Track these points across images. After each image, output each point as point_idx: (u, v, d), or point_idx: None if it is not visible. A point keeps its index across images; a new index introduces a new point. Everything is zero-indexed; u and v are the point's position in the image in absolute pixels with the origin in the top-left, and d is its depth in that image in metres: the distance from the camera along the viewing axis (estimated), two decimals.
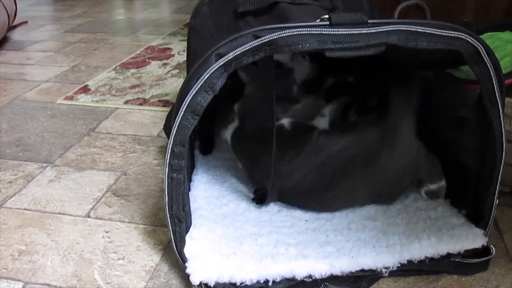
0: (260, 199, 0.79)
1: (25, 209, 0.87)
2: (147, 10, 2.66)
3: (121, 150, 1.08)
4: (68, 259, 0.74)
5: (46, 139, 1.14)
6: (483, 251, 0.71)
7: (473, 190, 0.72)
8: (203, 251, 0.68)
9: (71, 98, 1.38)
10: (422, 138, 0.91)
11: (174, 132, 0.59)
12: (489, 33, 0.90)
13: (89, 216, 0.85)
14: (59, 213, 0.85)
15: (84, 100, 1.36)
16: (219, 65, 0.56)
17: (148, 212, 0.85)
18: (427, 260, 0.68)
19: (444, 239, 0.70)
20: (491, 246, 0.70)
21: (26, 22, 2.32)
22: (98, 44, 1.96)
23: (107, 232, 0.80)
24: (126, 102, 1.34)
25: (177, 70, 1.60)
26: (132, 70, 1.61)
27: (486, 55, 0.58)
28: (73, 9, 2.69)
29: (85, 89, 1.44)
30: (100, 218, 0.84)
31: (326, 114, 0.86)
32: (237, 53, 0.56)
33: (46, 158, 1.05)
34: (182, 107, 0.57)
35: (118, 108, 1.31)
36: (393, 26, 0.55)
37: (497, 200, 0.70)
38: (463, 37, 0.57)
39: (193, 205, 0.72)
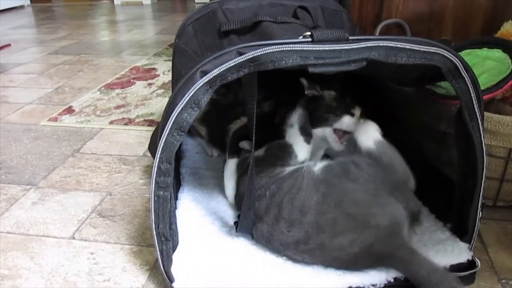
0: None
1: (7, 232, 0.85)
2: (131, 32, 2.67)
3: (106, 171, 1.07)
4: (52, 283, 0.72)
5: (29, 161, 1.13)
6: (469, 264, 0.71)
7: (457, 204, 0.73)
8: (190, 271, 0.68)
9: (55, 119, 1.37)
10: (407, 152, 0.93)
11: (160, 149, 0.59)
12: (467, 50, 0.93)
13: (73, 238, 0.83)
14: (43, 236, 0.84)
15: (68, 121, 1.35)
16: (204, 82, 0.57)
17: (134, 232, 0.84)
18: None
19: (429, 254, 0.70)
20: (476, 259, 0.71)
21: (9, 45, 2.32)
22: (82, 66, 1.96)
23: (92, 253, 0.79)
24: (111, 122, 1.33)
25: (162, 90, 1.60)
26: (117, 91, 1.61)
27: (464, 70, 0.60)
28: (57, 32, 2.69)
29: (69, 110, 1.44)
30: (85, 240, 0.82)
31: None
32: (221, 70, 0.57)
33: (29, 180, 1.04)
34: (168, 124, 0.57)
35: (103, 128, 1.30)
36: (374, 42, 0.57)
37: (480, 214, 0.71)
38: (441, 52, 0.58)
39: (180, 223, 0.72)
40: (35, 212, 0.91)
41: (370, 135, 0.76)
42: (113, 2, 3.86)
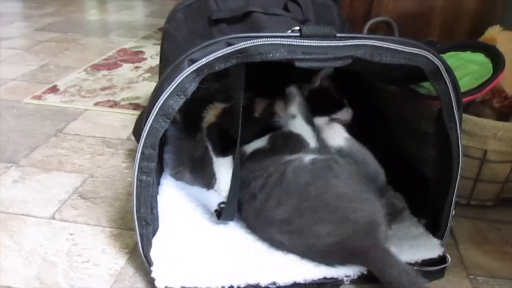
0: (220, 213, 0.77)
1: None
2: (121, 12, 2.63)
3: (89, 152, 1.06)
4: (31, 262, 0.73)
5: (11, 138, 1.12)
6: (440, 260, 0.74)
7: (432, 200, 0.75)
8: (169, 255, 0.69)
9: (39, 97, 1.36)
10: (387, 150, 0.95)
11: (145, 134, 0.59)
12: (451, 52, 0.95)
13: (53, 218, 0.83)
14: (23, 215, 0.84)
15: (52, 100, 1.34)
16: (191, 70, 0.57)
17: (114, 215, 0.85)
18: None
19: (403, 249, 0.73)
20: (447, 255, 0.74)
21: None
22: (69, 44, 1.93)
23: (72, 234, 0.79)
24: (96, 104, 1.33)
25: (149, 74, 1.59)
26: (103, 72, 1.60)
27: (445, 72, 0.62)
28: (44, 7, 2.64)
29: (54, 89, 1.42)
30: (65, 221, 0.83)
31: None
32: (209, 59, 0.57)
33: (11, 158, 1.03)
34: (153, 109, 0.58)
35: (87, 109, 1.29)
36: (360, 40, 0.58)
37: (454, 211, 0.74)
38: (424, 54, 0.60)
39: (161, 208, 0.73)
40: (15, 191, 0.91)
41: (339, 133, 0.82)
42: None
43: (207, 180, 0.87)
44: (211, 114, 0.90)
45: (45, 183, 0.94)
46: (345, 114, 0.90)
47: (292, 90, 0.86)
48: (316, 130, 0.84)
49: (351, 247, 0.67)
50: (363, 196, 0.72)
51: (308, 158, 0.76)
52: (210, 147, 0.87)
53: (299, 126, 0.82)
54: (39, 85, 1.45)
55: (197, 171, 0.88)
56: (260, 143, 0.83)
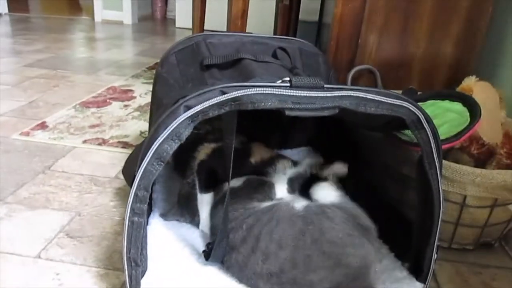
0: (208, 254, 0.76)
1: None
2: (110, 51, 2.68)
3: (77, 190, 1.07)
4: None
5: None
6: None
7: (415, 244, 0.78)
8: None
9: (27, 134, 1.36)
10: (371, 193, 0.97)
11: (139, 177, 0.61)
12: (431, 101, 1.00)
13: (39, 257, 0.83)
14: (8, 253, 0.83)
15: (41, 137, 1.35)
16: (186, 116, 0.60)
17: (101, 254, 0.85)
18: None
19: None
20: None
21: None
22: (58, 81, 1.95)
23: (57, 274, 0.79)
24: (84, 141, 1.34)
25: (138, 112, 1.62)
26: (93, 109, 1.62)
27: (426, 122, 0.66)
28: (34, 44, 2.68)
29: (42, 126, 1.43)
30: (51, 260, 0.82)
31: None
32: (204, 106, 0.60)
33: None
34: (149, 153, 0.60)
35: (76, 147, 1.30)
36: (346, 91, 0.62)
37: (436, 255, 0.76)
38: (406, 105, 0.64)
39: (150, 248, 0.73)
40: (1, 228, 0.90)
41: (330, 190, 0.84)
42: (93, 19, 3.87)
43: (191, 216, 0.88)
44: (202, 153, 0.92)
45: (31, 221, 0.93)
46: (341, 168, 0.91)
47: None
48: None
49: None
50: (357, 240, 0.73)
51: (299, 204, 0.77)
52: (197, 183, 0.88)
53: (279, 180, 0.83)
54: (27, 121, 1.46)
55: (182, 206, 0.89)
56: (236, 182, 0.84)
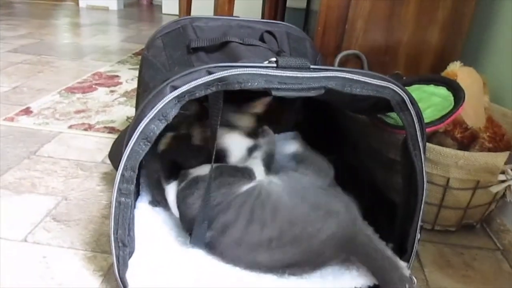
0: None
1: None
2: (96, 36, 2.64)
3: (63, 175, 1.06)
4: (3, 284, 0.71)
5: None
6: None
7: (398, 225, 0.79)
8: (144, 277, 0.69)
9: (11, 119, 1.34)
10: (357, 176, 0.98)
11: (126, 157, 0.61)
12: (416, 85, 1.01)
13: (26, 241, 0.82)
14: None
15: (25, 122, 1.33)
16: (173, 96, 0.60)
17: (88, 238, 0.85)
18: None
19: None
20: (413, 277, 0.77)
21: None
22: (43, 67, 1.92)
23: (44, 257, 0.79)
24: (70, 127, 1.32)
25: (125, 98, 1.60)
26: (78, 95, 1.60)
27: (410, 104, 0.67)
28: (17, 29, 2.63)
29: (27, 111, 1.41)
30: (38, 243, 0.82)
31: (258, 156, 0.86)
32: (190, 86, 0.60)
33: None
34: (135, 133, 0.60)
35: (61, 132, 1.29)
36: (332, 72, 0.62)
37: (419, 235, 0.78)
38: (391, 87, 0.65)
39: (137, 231, 0.73)
40: None
41: (292, 142, 0.92)
42: (78, 4, 3.80)
43: (165, 203, 0.86)
44: (163, 143, 0.90)
45: (17, 206, 0.93)
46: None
47: (269, 134, 0.90)
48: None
49: (340, 239, 0.72)
50: (335, 190, 0.82)
51: (277, 177, 0.81)
52: (161, 174, 0.86)
53: (255, 164, 0.84)
54: (12, 107, 1.44)
55: (156, 194, 0.88)
56: (201, 170, 0.81)
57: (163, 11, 3.81)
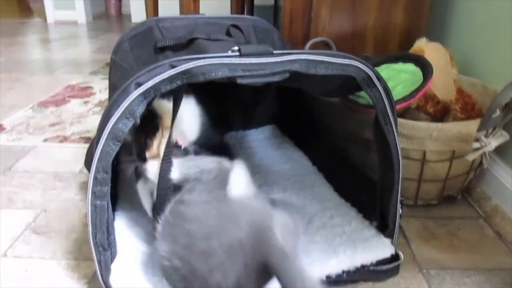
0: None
1: None
2: (66, 50, 2.61)
3: (41, 188, 1.04)
4: None
5: None
6: (392, 258, 0.78)
7: (379, 201, 0.80)
8: (128, 281, 0.69)
9: None
10: (336, 159, 0.99)
11: (97, 159, 0.60)
12: (385, 65, 1.02)
13: (6, 256, 0.81)
14: None
15: None
16: (138, 93, 0.59)
17: (71, 247, 0.83)
18: (344, 273, 0.75)
19: (358, 252, 0.77)
20: (400, 253, 0.78)
21: None
22: (13, 83, 1.89)
23: (26, 270, 0.77)
24: (45, 140, 1.30)
25: (99, 108, 1.59)
26: (51, 109, 1.58)
27: (376, 79, 0.67)
28: None
29: None
30: (19, 257, 0.81)
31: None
32: (155, 82, 0.60)
33: None
34: (103, 134, 0.59)
35: (36, 146, 1.27)
36: (295, 55, 0.62)
37: (400, 210, 0.79)
38: (355, 64, 0.65)
39: (118, 234, 0.73)
40: None
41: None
42: (46, 20, 3.74)
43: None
44: None
45: None
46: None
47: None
48: None
49: (257, 265, 0.60)
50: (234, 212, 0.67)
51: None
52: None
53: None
54: None
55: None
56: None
57: (133, 20, 3.77)
